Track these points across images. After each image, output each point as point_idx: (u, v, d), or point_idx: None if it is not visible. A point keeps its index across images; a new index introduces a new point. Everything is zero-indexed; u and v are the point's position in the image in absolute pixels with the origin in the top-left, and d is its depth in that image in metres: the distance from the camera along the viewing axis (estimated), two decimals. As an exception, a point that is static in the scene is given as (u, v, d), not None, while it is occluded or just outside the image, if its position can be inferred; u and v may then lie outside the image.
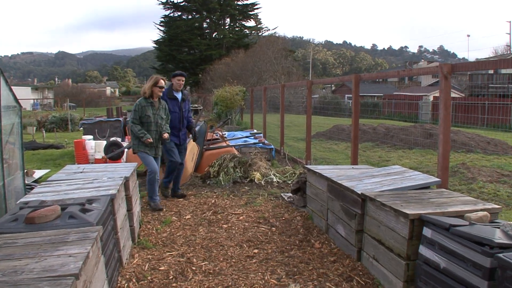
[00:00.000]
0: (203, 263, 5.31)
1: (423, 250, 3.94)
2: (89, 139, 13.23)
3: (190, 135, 9.02)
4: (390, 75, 8.88)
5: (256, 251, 5.68)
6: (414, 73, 8.14)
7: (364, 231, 5.06)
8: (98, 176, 5.97)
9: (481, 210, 4.21)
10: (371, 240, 4.86)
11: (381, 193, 4.97)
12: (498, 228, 3.53)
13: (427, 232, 3.91)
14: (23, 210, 4.03)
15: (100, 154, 12.01)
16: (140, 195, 8.15)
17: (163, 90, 7.78)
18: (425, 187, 5.32)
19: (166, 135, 7.72)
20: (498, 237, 3.30)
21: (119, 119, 15.95)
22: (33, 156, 14.96)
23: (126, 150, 10.91)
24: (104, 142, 12.27)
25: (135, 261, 5.37)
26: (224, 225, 6.76)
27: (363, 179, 5.76)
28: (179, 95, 8.41)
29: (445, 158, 5.71)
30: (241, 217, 7.12)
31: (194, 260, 5.41)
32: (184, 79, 8.44)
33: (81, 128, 16.48)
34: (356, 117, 8.34)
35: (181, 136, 8.49)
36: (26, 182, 7.45)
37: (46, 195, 4.93)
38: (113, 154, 10.88)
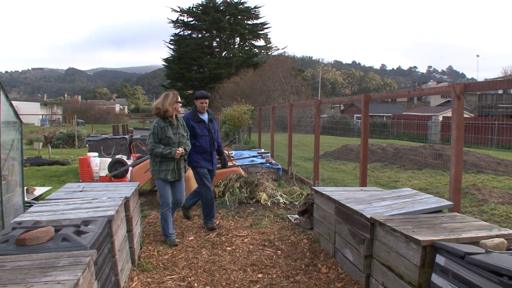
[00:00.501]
0: (205, 288, 5.11)
1: (436, 279, 3.72)
2: (94, 156, 13.11)
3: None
4: (401, 95, 8.70)
5: (260, 275, 5.47)
6: (425, 92, 7.96)
7: (373, 257, 4.83)
8: (98, 195, 5.79)
9: (497, 236, 3.99)
10: (381, 266, 4.64)
11: (391, 217, 4.75)
12: (517, 257, 3.32)
13: (440, 260, 3.69)
14: (15, 231, 3.85)
15: (105, 172, 11.84)
16: (142, 215, 7.98)
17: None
18: (437, 210, 5.10)
19: (180, 150, 6.78)
20: (518, 267, 3.08)
21: (125, 136, 15.83)
22: (38, 172, 14.86)
23: (130, 168, 10.73)
24: (109, 160, 12.11)
25: (133, 285, 5.18)
26: (228, 248, 6.55)
27: (373, 202, 5.55)
28: (205, 117, 7.67)
29: (457, 180, 5.51)
30: (245, 240, 6.91)
31: (196, 284, 5.21)
32: (207, 101, 7.69)
33: (87, 144, 16.37)
34: (365, 138, 8.14)
35: (212, 159, 7.69)
36: (26, 199, 7.28)
37: (42, 214, 4.75)
38: (117, 172, 10.71)
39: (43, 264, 3.21)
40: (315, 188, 7.17)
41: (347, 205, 5.46)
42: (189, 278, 5.37)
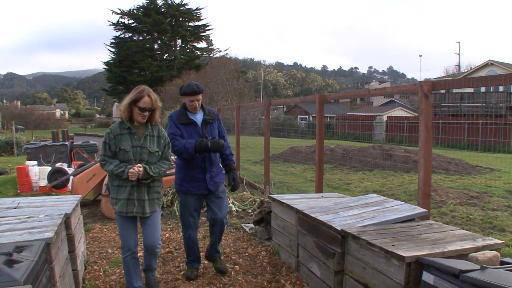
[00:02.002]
0: (158, 314, 4.57)
1: (423, 300, 3.31)
2: (33, 165, 12.34)
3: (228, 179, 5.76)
4: (360, 94, 8.35)
5: (219, 296, 4.97)
6: (387, 91, 7.63)
7: (345, 272, 4.39)
8: (34, 212, 5.16)
9: (483, 246, 3.64)
10: (354, 283, 4.19)
11: (364, 228, 4.33)
12: (517, 273, 2.93)
13: (428, 278, 3.28)
14: None
15: (45, 181, 11.14)
16: (85, 228, 7.34)
17: (150, 114, 4.80)
18: (410, 219, 4.72)
19: (136, 169, 4.57)
20: (522, 287, 2.69)
21: (65, 143, 15.04)
22: (-28, 183, 13.91)
23: (71, 177, 10.03)
24: (49, 168, 11.37)
25: (78, 312, 4.59)
26: (182, 264, 5.98)
27: (339, 211, 5.11)
28: (197, 117, 5.50)
29: (427, 184, 5.16)
30: (201, 253, 6.36)
31: (147, 309, 4.65)
32: (199, 97, 5.41)
33: (25, 152, 15.50)
34: (320, 140, 7.77)
35: (209, 180, 5.43)
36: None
37: (-31, 238, 4.11)
38: (57, 182, 10.03)
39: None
40: (273, 196, 6.69)
41: (312, 215, 5.01)
42: (139, 302, 4.82)
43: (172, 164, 5.24)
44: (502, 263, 3.36)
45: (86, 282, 5.38)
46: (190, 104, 5.38)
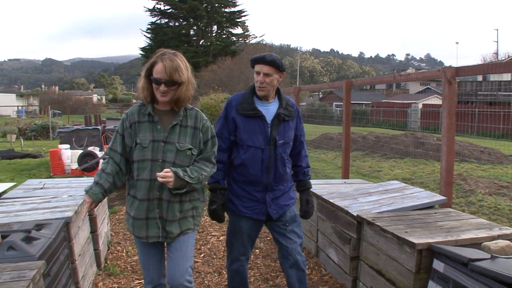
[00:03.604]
0: (175, 295, 4.63)
1: (434, 287, 3.28)
2: (66, 149, 12.58)
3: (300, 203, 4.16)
4: (385, 81, 8.27)
5: (237, 279, 5.01)
6: (412, 78, 7.53)
7: (361, 258, 4.39)
8: (59, 193, 5.29)
9: (499, 236, 3.58)
10: (369, 270, 4.19)
11: (380, 215, 4.31)
12: (527, 263, 2.89)
13: (438, 266, 3.26)
14: (-45, 239, 3.34)
15: (77, 165, 11.35)
16: (111, 211, 7.47)
17: (174, 92, 3.23)
18: (429, 206, 4.68)
19: (163, 174, 3.10)
20: (531, 276, 2.65)
21: (97, 127, 15.24)
22: (9, 166, 14.25)
23: (101, 161, 10.20)
24: (81, 152, 11.59)
25: (98, 292, 4.69)
26: (203, 247, 6.06)
27: (358, 197, 5.10)
28: (270, 108, 3.87)
29: (449, 172, 5.08)
30: (221, 237, 6.41)
31: (166, 290, 4.72)
32: (270, 71, 3.73)
33: (58, 136, 15.78)
34: (347, 126, 7.71)
35: (269, 202, 3.85)
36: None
37: (-5, 216, 4.25)
38: (87, 165, 10.21)
39: (-19, 280, 2.74)
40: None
41: (331, 200, 5.01)
42: (158, 283, 4.90)
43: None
44: (516, 252, 3.31)
45: (108, 262, 5.50)
46: (255, 78, 3.82)
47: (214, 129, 3.57)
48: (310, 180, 4.21)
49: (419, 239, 3.47)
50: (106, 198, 6.22)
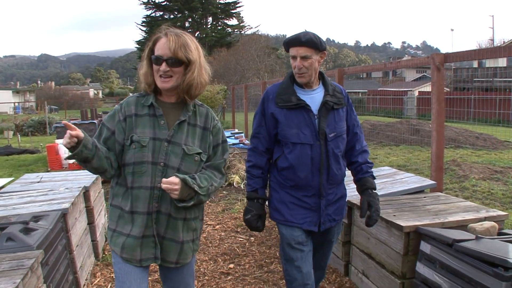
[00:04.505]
0: (171, 283, 4.71)
1: (421, 268, 3.37)
2: (62, 143, 12.62)
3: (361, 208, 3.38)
4: (377, 68, 8.31)
5: (232, 266, 5.10)
6: (402, 65, 7.61)
7: (352, 243, 4.47)
8: (55, 186, 5.36)
9: (485, 218, 3.66)
10: (360, 254, 4.28)
11: (370, 200, 4.39)
12: (511, 242, 2.97)
13: (425, 247, 3.34)
14: (-46, 232, 3.42)
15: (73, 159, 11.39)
16: (106, 204, 7.54)
17: (180, 76, 2.58)
18: (419, 191, 4.75)
19: (166, 182, 2.44)
20: (513, 255, 2.73)
21: (93, 121, 15.29)
22: (6, 162, 14.32)
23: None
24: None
25: (96, 281, 4.79)
26: (198, 236, 6.15)
27: (349, 183, 5.17)
28: (315, 96, 3.27)
29: (439, 157, 5.14)
30: (217, 226, 6.51)
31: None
32: (308, 53, 3.10)
33: (55, 131, 15.83)
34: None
35: (324, 208, 3.29)
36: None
37: (-8, 210, 4.32)
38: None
39: (-20, 270, 2.82)
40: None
41: (323, 187, 5.08)
42: (156, 272, 4.98)
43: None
44: (501, 234, 3.39)
45: (106, 253, 5.58)
46: (292, 64, 3.19)
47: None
48: (373, 177, 3.39)
49: (406, 222, 3.55)
50: (102, 190, 6.31)
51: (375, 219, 3.19)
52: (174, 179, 2.44)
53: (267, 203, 3.43)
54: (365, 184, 3.31)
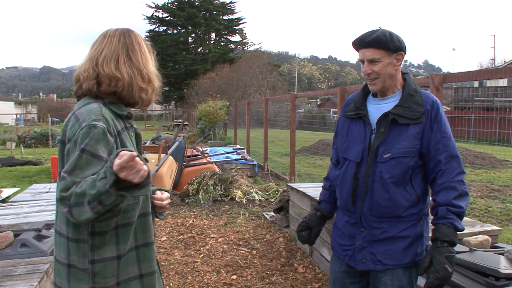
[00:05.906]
0: (176, 292, 4.86)
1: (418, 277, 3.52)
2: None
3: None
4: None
5: (234, 277, 5.23)
6: (402, 84, 7.75)
7: (351, 256, 4.62)
8: (63, 196, 5.53)
9: (480, 232, 3.82)
10: (359, 266, 4.42)
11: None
12: (502, 254, 3.13)
13: (421, 259, 3.50)
14: (-29, 237, 3.59)
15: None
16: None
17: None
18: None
19: (160, 199, 2.32)
20: (504, 266, 2.90)
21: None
22: (10, 173, 14.45)
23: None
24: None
25: None
26: (202, 248, 6.28)
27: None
28: (380, 106, 2.67)
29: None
30: (220, 239, 6.66)
31: (166, 288, 4.95)
32: (376, 55, 2.55)
33: (58, 143, 15.99)
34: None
35: (359, 244, 2.67)
36: (-9, 202, 6.99)
37: (4, 218, 4.51)
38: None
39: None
40: (290, 184, 6.96)
41: (323, 202, 5.22)
42: (159, 282, 5.14)
43: None
44: (494, 247, 3.55)
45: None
46: (362, 69, 2.66)
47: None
48: (453, 227, 2.48)
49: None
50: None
51: (430, 283, 2.43)
52: (161, 195, 2.34)
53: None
54: (435, 233, 2.51)
